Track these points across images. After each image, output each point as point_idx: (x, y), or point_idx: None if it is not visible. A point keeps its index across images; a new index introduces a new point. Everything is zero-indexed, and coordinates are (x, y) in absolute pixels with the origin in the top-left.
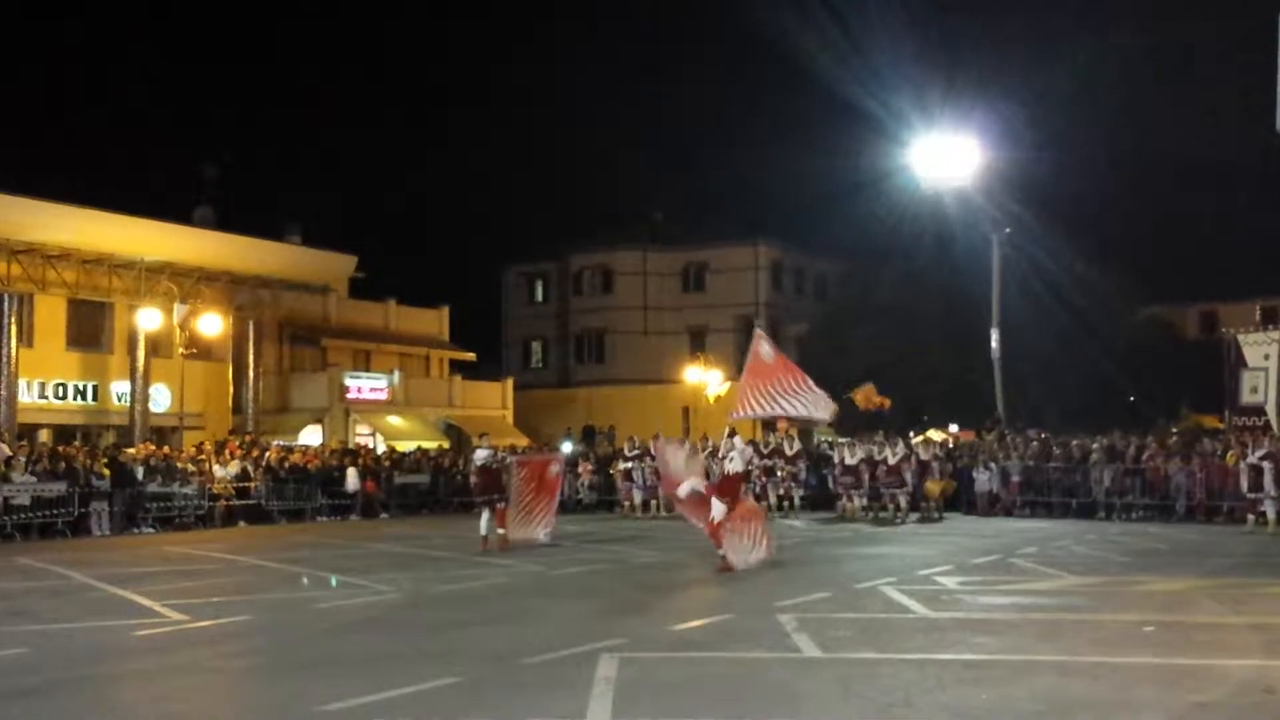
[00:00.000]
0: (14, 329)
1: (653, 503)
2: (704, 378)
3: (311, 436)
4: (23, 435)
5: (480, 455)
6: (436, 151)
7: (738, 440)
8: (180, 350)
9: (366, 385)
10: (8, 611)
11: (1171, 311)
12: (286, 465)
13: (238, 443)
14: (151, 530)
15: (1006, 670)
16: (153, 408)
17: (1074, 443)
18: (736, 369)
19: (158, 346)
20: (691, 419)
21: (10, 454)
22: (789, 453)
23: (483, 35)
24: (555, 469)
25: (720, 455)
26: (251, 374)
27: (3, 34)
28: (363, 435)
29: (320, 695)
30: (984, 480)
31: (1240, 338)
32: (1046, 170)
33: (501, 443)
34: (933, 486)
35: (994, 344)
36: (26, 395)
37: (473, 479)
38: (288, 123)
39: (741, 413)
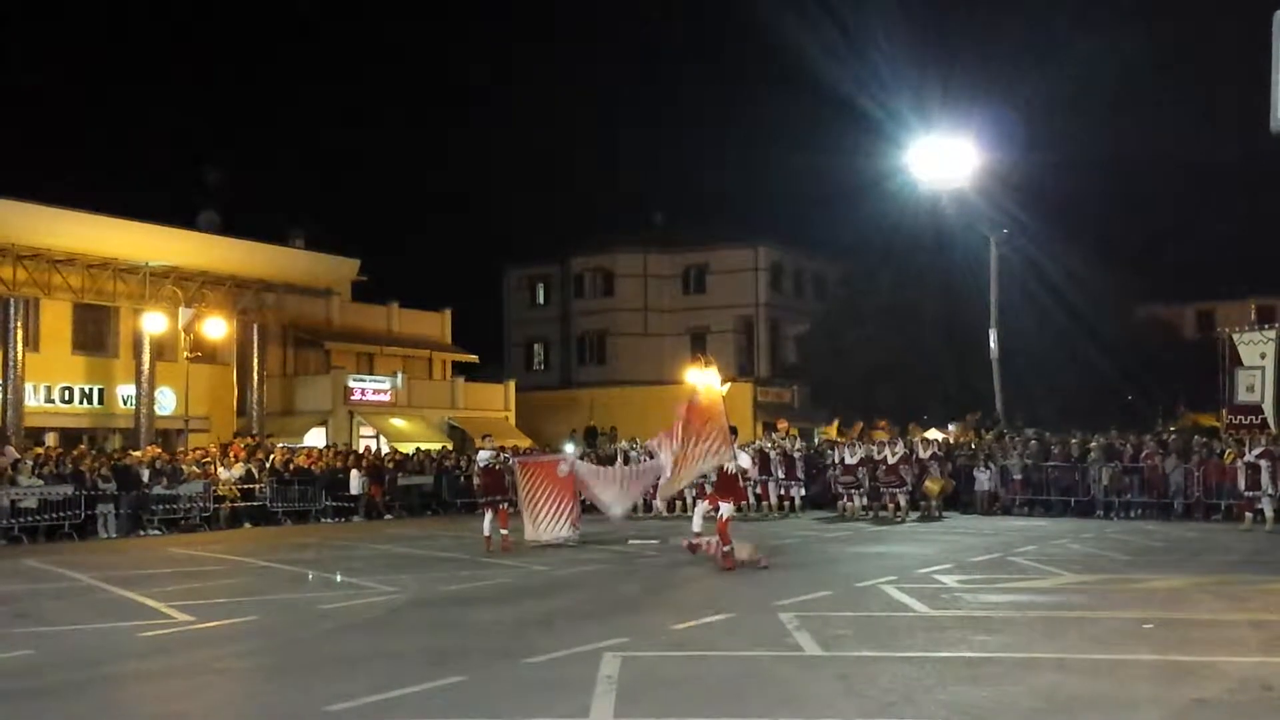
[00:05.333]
0: (20, 333)
1: (654, 503)
2: (705, 378)
3: (316, 439)
4: (29, 438)
5: (483, 456)
6: (437, 155)
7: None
8: (185, 354)
9: (370, 387)
10: (15, 613)
11: (1169, 311)
12: (291, 467)
13: (242, 445)
14: (157, 532)
15: (1006, 668)
16: (158, 411)
17: (1072, 441)
18: (737, 370)
19: (163, 350)
20: None
21: (17, 457)
22: (792, 453)
23: (482, 38)
24: (565, 468)
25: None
26: (256, 377)
27: (5, 38)
28: (366, 437)
29: (325, 695)
30: (983, 479)
31: (1235, 336)
32: (1044, 171)
33: (504, 444)
34: (932, 485)
35: (992, 344)
36: (33, 399)
37: (476, 480)
38: (291, 127)
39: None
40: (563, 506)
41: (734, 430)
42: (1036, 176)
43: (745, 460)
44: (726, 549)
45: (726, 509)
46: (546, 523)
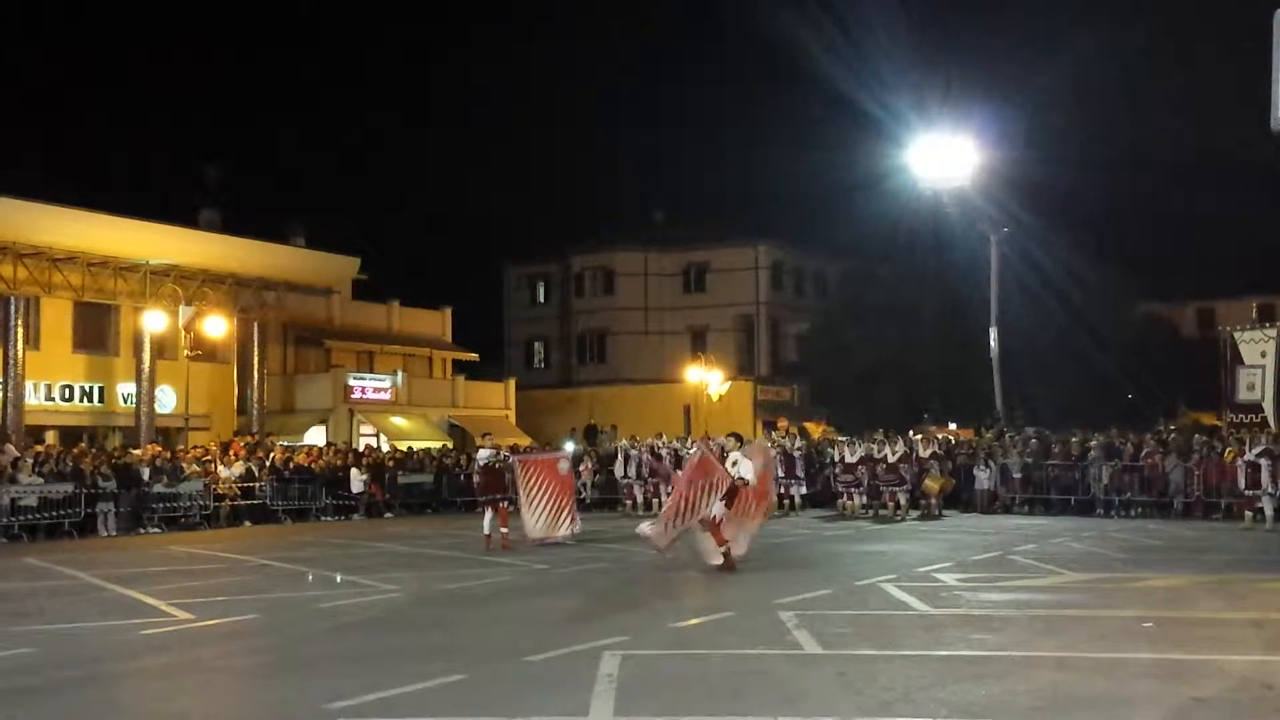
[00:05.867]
0: (21, 332)
1: (654, 501)
2: (705, 377)
3: (316, 437)
4: (30, 436)
5: (483, 455)
6: (438, 154)
7: (738, 454)
8: (185, 352)
9: (370, 386)
10: (15, 611)
11: (1169, 309)
12: (291, 465)
13: (242, 443)
14: (157, 530)
15: (1006, 666)
16: (158, 409)
17: (1072, 440)
18: (738, 369)
19: (163, 348)
20: (693, 418)
21: (18, 455)
22: (792, 451)
23: (484, 36)
24: (565, 465)
25: (729, 462)
26: (256, 375)
27: (5, 37)
28: (367, 435)
29: (325, 693)
30: (983, 478)
31: (1236, 335)
32: (1044, 169)
33: (504, 442)
34: (932, 484)
35: (992, 343)
36: (33, 397)
37: (476, 478)
38: (291, 125)
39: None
40: (562, 505)
41: (739, 437)
42: (1037, 175)
43: (748, 470)
44: (723, 549)
45: (718, 508)
46: (546, 521)
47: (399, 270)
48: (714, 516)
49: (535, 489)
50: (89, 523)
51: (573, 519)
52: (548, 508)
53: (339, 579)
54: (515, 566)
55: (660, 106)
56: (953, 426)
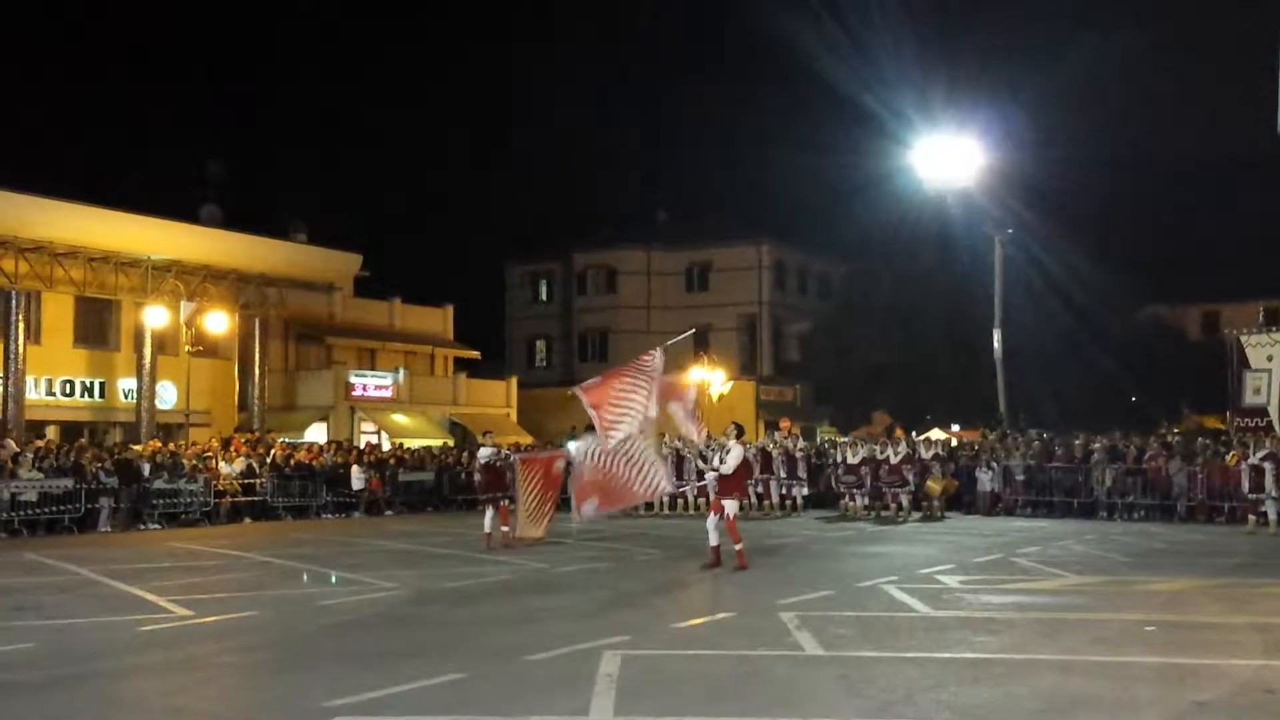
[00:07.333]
0: (22, 326)
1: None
2: (707, 377)
3: (317, 434)
4: (30, 431)
5: (484, 453)
6: (441, 151)
7: (734, 443)
8: (187, 348)
9: (371, 383)
10: (14, 606)
11: (1173, 312)
12: (292, 462)
13: (243, 440)
14: (157, 526)
15: (1007, 669)
16: (159, 405)
17: (1075, 442)
18: (740, 368)
19: (164, 344)
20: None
21: (18, 450)
22: (794, 452)
23: (484, 35)
24: (560, 465)
25: (719, 451)
26: (257, 371)
27: (7, 33)
28: (368, 433)
29: (324, 691)
30: (986, 480)
31: (1242, 339)
32: (1049, 171)
33: (505, 441)
34: (934, 485)
35: (996, 344)
36: (34, 392)
37: (477, 477)
38: (293, 121)
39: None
40: (549, 505)
41: (740, 429)
42: (1041, 176)
43: (731, 465)
44: (738, 547)
45: (731, 506)
46: (531, 521)
47: (401, 267)
48: (730, 515)
49: (531, 487)
50: (89, 518)
51: (551, 520)
52: (538, 505)
53: (334, 579)
54: (515, 565)
55: (663, 105)
56: (956, 428)
